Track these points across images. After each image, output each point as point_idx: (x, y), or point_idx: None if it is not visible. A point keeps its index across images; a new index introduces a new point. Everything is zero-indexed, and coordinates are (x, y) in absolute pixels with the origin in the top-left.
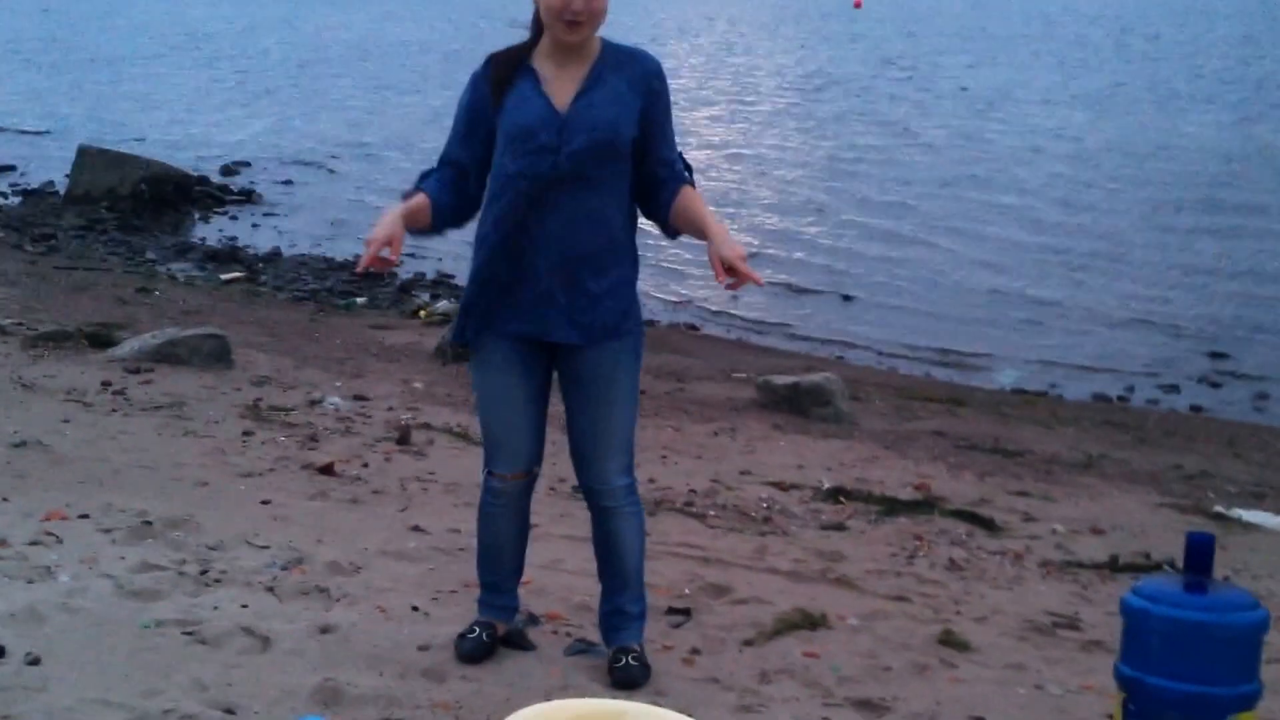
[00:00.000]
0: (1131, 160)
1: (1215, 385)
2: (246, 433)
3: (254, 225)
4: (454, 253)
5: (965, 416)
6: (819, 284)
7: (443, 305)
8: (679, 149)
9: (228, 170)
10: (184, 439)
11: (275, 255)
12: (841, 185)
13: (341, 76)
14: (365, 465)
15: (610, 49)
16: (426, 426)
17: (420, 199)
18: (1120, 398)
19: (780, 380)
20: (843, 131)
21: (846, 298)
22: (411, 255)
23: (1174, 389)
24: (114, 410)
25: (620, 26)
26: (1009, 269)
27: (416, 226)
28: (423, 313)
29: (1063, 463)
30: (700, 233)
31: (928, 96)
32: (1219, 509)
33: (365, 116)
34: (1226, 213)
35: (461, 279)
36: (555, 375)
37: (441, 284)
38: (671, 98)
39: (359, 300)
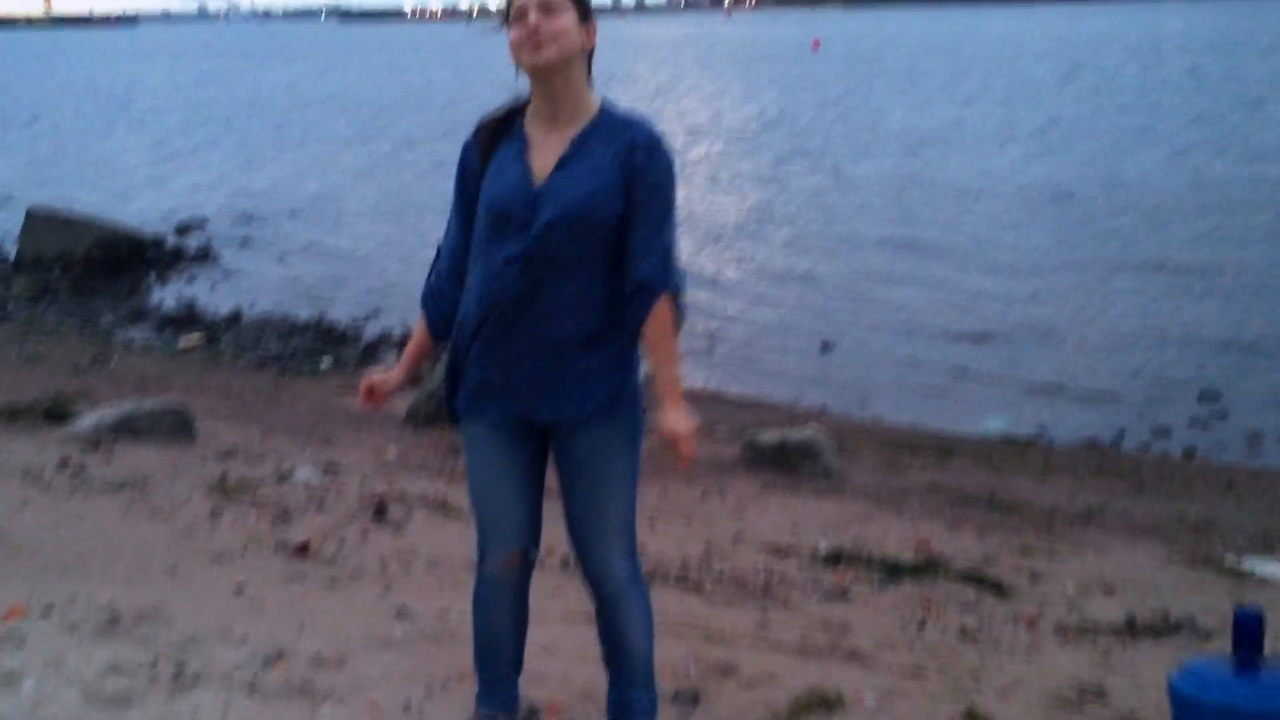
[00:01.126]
0: (1093, 197)
1: (1206, 428)
2: (214, 511)
3: (212, 286)
4: (415, 311)
5: (956, 468)
6: (791, 333)
7: None
8: (671, 246)
9: (182, 229)
10: (149, 520)
11: (235, 317)
12: (792, 231)
13: (285, 128)
14: (342, 543)
15: (609, 115)
16: (403, 498)
17: (416, 342)
18: (1112, 443)
19: (766, 437)
20: (788, 174)
21: (825, 345)
22: (374, 316)
23: (1165, 432)
24: (74, 491)
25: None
26: (980, 312)
27: (426, 356)
28: None
29: (1063, 515)
30: (655, 385)
31: (873, 136)
32: (1230, 562)
33: (317, 169)
34: (1207, 245)
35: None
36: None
37: (407, 343)
38: (671, 178)
39: (324, 364)
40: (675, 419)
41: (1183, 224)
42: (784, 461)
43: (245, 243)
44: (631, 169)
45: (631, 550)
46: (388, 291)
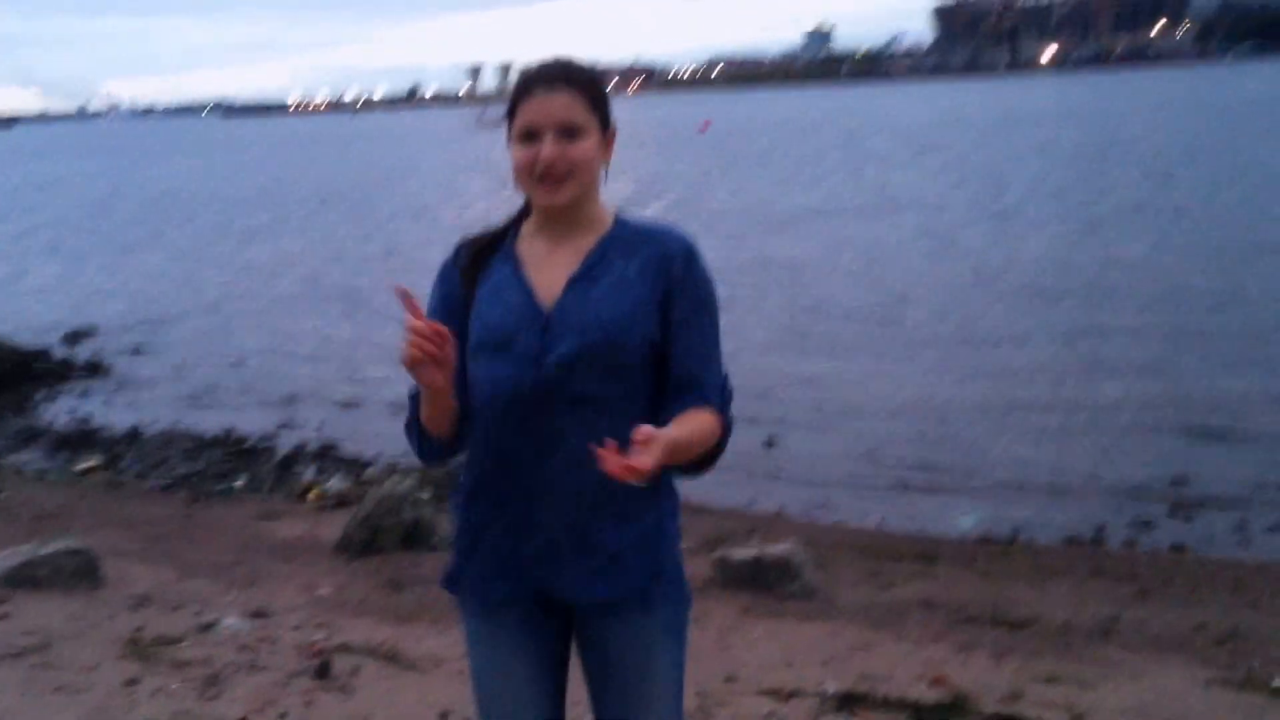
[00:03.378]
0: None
1: (1188, 518)
2: (131, 680)
3: (106, 401)
4: (332, 418)
5: (943, 577)
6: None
7: (334, 483)
8: (723, 368)
9: (71, 338)
10: (55, 695)
11: (135, 435)
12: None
13: (167, 231)
14: (283, 717)
15: (625, 226)
16: (346, 649)
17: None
18: (1095, 539)
19: (740, 554)
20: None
21: (768, 443)
22: (286, 426)
23: (1147, 525)
24: None
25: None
26: (929, 399)
27: (446, 414)
28: (312, 494)
29: (1078, 631)
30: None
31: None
32: (1276, 683)
33: (204, 272)
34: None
35: (350, 443)
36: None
37: (327, 455)
38: (714, 290)
39: (238, 483)
40: (664, 432)
41: (1110, 304)
42: (761, 580)
43: (139, 350)
44: (669, 283)
45: None
46: (299, 398)
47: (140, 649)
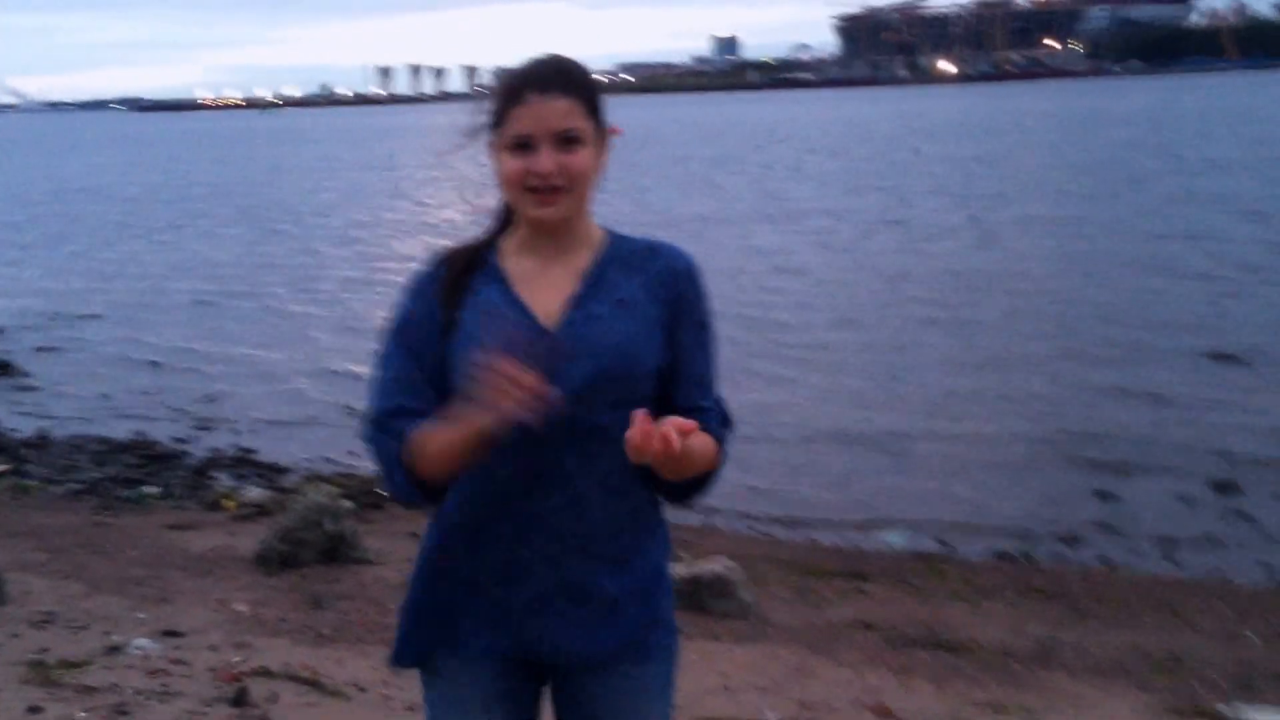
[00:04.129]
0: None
1: (1114, 533)
2: (33, 708)
3: (13, 404)
4: (249, 423)
5: (877, 596)
6: None
7: (251, 492)
8: (716, 391)
9: None
10: None
11: (42, 439)
12: None
13: (76, 225)
14: None
15: (621, 242)
16: (265, 673)
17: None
18: (1025, 555)
19: (676, 573)
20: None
21: None
22: (203, 430)
23: (1075, 540)
24: None
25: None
26: (849, 411)
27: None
28: (228, 503)
29: (1016, 655)
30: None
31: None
32: (1225, 712)
33: (117, 269)
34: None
35: (269, 449)
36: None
37: (244, 462)
38: (710, 311)
39: (149, 491)
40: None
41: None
42: (695, 599)
43: (46, 350)
44: (676, 302)
45: None
46: (215, 402)
47: (44, 672)
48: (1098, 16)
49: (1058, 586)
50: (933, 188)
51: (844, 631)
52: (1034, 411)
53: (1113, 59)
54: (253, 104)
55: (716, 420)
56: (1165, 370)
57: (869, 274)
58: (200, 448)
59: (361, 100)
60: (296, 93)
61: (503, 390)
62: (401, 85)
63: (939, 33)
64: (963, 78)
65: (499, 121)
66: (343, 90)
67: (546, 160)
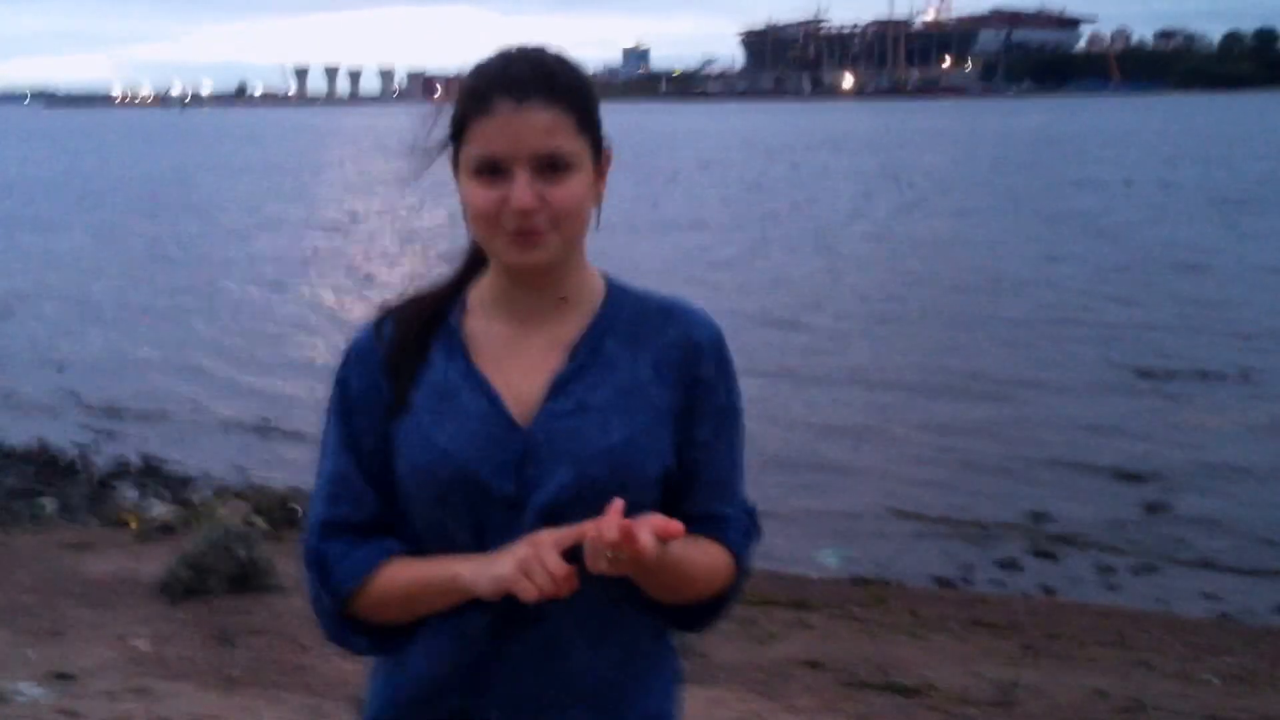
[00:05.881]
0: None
1: (1052, 558)
2: None
3: None
4: (156, 432)
5: (821, 628)
6: None
7: (157, 508)
8: (742, 495)
9: None
10: None
11: None
12: None
13: None
14: None
15: (624, 299)
16: None
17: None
18: (964, 579)
19: None
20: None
21: None
22: (106, 439)
23: (1013, 564)
24: None
25: None
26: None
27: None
28: (132, 521)
29: (975, 700)
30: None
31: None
32: None
33: (13, 266)
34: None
35: (177, 461)
36: None
37: (152, 474)
38: (740, 392)
39: (45, 505)
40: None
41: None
42: None
43: None
44: (695, 386)
45: None
46: (119, 408)
47: None
48: (989, 39)
49: (1004, 617)
50: (832, 200)
51: (793, 671)
52: (962, 430)
53: (1004, 80)
54: (169, 101)
55: (739, 531)
56: (1082, 392)
57: (784, 288)
58: (105, 458)
59: (277, 100)
60: (213, 90)
61: (533, 573)
62: (318, 86)
63: (841, 49)
64: (863, 93)
65: (460, 135)
66: (259, 89)
67: (523, 191)
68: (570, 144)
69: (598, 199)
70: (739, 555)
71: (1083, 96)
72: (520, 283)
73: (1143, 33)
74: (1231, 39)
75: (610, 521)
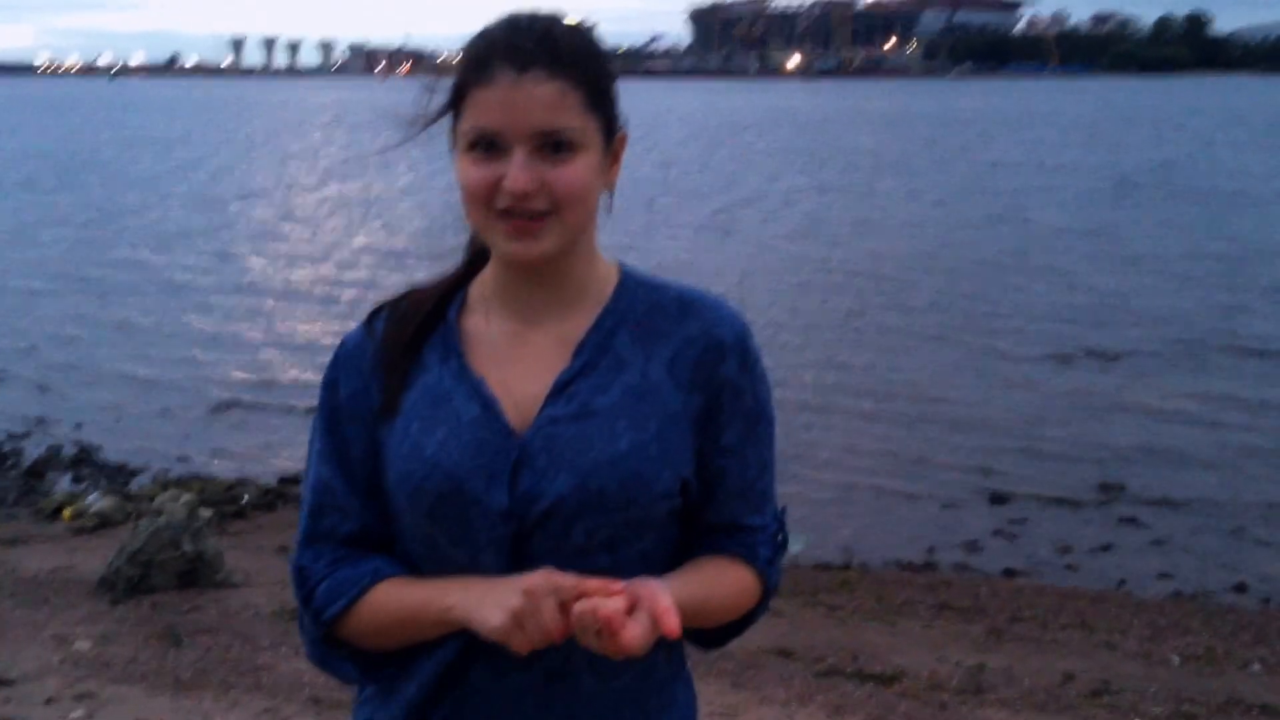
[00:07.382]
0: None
1: (1011, 538)
2: None
3: None
4: (92, 416)
5: (791, 615)
6: None
7: (95, 501)
8: (773, 503)
9: None
10: None
11: None
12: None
13: None
14: None
15: (637, 290)
16: None
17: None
18: (928, 564)
19: None
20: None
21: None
22: (37, 427)
23: (974, 547)
24: None
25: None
26: None
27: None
28: (67, 513)
29: (947, 686)
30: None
31: None
32: None
33: None
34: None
35: (115, 448)
36: None
37: (86, 462)
38: (771, 393)
39: None
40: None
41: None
42: None
43: None
44: (716, 389)
45: None
46: (51, 394)
47: None
48: (930, 20)
49: (968, 601)
50: (769, 178)
51: (765, 660)
52: (913, 413)
53: (946, 61)
54: (96, 71)
55: (768, 546)
56: (1029, 369)
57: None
58: (36, 445)
59: (210, 71)
60: (143, 60)
61: (527, 627)
62: (254, 57)
63: (787, 28)
64: (808, 73)
65: (457, 105)
66: (192, 59)
67: (520, 172)
68: (576, 121)
69: (609, 184)
70: (766, 573)
71: (1020, 79)
72: (521, 276)
73: (1080, 16)
74: (1163, 23)
75: (600, 604)
